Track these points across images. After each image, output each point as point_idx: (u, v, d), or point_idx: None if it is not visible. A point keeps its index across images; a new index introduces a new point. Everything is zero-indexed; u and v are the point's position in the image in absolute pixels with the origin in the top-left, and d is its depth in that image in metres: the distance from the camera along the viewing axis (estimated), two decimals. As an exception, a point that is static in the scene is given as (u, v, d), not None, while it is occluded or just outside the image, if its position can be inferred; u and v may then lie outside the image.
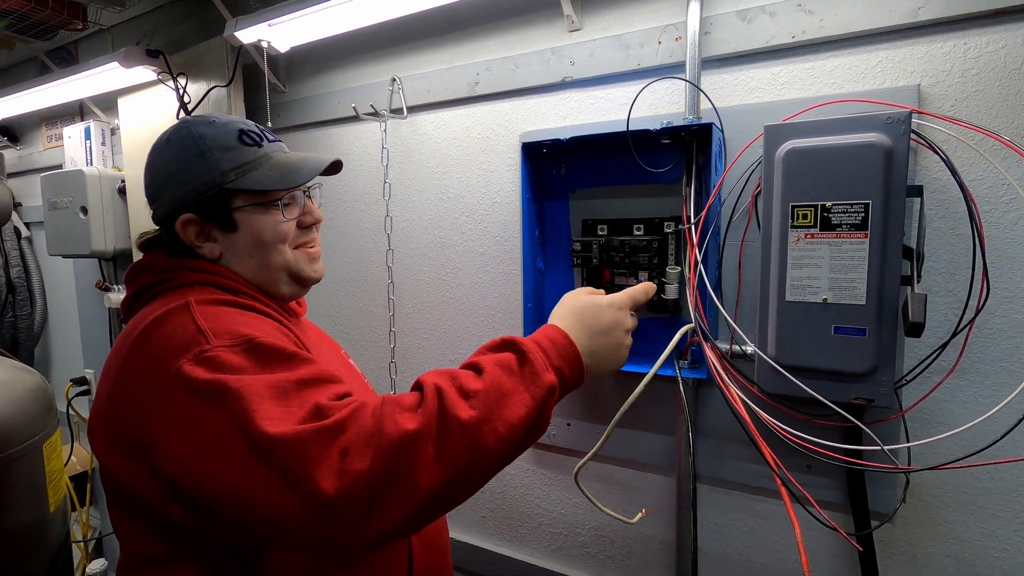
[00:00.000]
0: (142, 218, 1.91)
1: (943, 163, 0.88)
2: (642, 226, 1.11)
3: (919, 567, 0.98)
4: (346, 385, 0.66)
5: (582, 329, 0.73)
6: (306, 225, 0.83)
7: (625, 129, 1.05)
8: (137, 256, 1.99)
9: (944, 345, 0.88)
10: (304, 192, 0.83)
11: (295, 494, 0.54)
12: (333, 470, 0.54)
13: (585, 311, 0.76)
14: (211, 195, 0.75)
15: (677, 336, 0.75)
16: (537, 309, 1.26)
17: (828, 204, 0.86)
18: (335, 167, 0.85)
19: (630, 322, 0.79)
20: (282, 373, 0.62)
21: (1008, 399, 0.77)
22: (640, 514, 0.92)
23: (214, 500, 0.59)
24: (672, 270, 1.08)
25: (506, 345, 0.68)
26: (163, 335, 0.66)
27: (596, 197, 1.20)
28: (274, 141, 0.82)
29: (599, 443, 0.73)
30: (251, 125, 0.81)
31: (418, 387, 0.63)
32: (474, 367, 0.65)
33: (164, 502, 0.63)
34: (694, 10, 1.04)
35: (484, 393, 0.61)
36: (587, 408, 1.27)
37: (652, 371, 0.74)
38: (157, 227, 0.81)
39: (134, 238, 1.97)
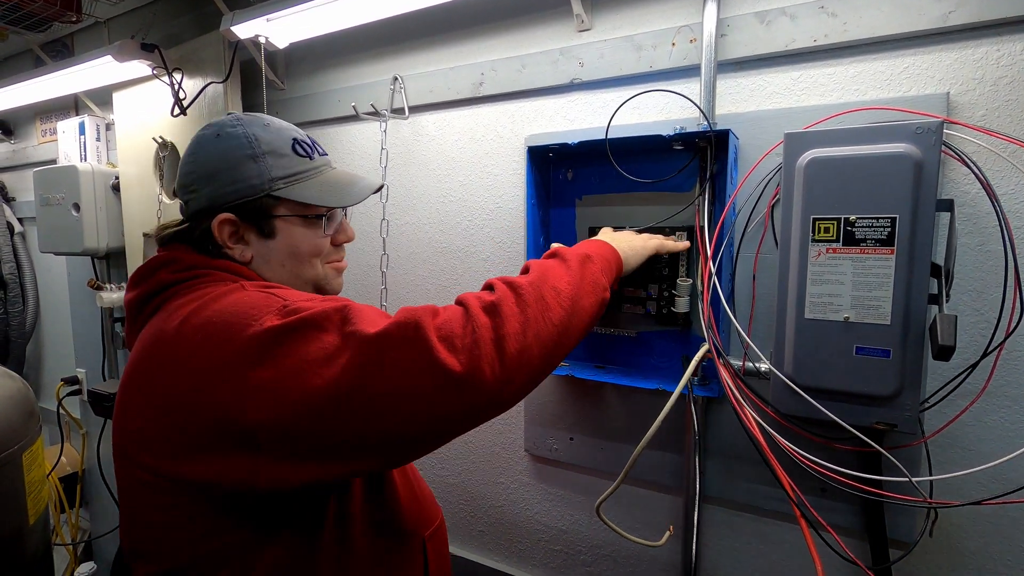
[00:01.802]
0: (135, 216, 1.87)
1: (972, 176, 0.83)
2: (652, 235, 1.06)
3: (938, 598, 0.93)
4: None
5: (607, 238, 0.90)
6: (339, 243, 0.83)
7: (637, 135, 1.00)
8: (133, 254, 1.93)
9: (973, 366, 0.83)
10: (343, 211, 0.83)
11: (422, 377, 0.57)
12: (444, 342, 0.58)
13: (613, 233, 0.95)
14: (256, 199, 0.73)
15: (696, 359, 0.71)
16: (541, 319, 1.21)
17: (852, 218, 0.81)
18: (378, 190, 0.85)
19: (653, 241, 0.96)
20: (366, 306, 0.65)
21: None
22: (668, 533, 0.88)
23: (344, 422, 0.57)
24: (683, 282, 1.03)
25: (545, 255, 0.80)
26: (226, 308, 0.62)
27: (604, 204, 1.15)
28: (323, 155, 0.81)
29: (621, 475, 0.69)
30: (303, 135, 0.79)
31: (486, 285, 0.70)
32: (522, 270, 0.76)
33: (272, 469, 0.58)
34: (711, 11, 0.99)
35: (534, 270, 0.72)
36: (590, 423, 1.22)
37: (672, 398, 0.69)
38: (182, 220, 0.78)
39: (128, 236, 1.93)
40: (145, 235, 0.78)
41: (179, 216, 0.79)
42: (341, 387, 0.56)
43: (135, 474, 0.64)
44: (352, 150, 1.52)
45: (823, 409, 0.81)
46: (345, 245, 0.84)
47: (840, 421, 0.80)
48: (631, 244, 0.90)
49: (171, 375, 0.62)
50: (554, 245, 0.82)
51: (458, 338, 0.58)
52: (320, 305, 0.61)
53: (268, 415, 0.57)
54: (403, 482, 0.80)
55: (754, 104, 1.02)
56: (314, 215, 0.76)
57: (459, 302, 0.64)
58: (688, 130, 0.98)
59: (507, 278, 0.68)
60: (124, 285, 1.87)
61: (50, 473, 2.16)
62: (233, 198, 0.72)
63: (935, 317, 0.76)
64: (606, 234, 0.93)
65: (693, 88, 1.04)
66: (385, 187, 1.44)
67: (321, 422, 0.57)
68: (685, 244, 1.02)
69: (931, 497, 0.86)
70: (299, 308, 0.61)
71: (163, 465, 0.61)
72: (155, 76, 1.61)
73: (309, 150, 0.78)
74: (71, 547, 2.30)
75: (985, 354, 0.83)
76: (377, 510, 0.75)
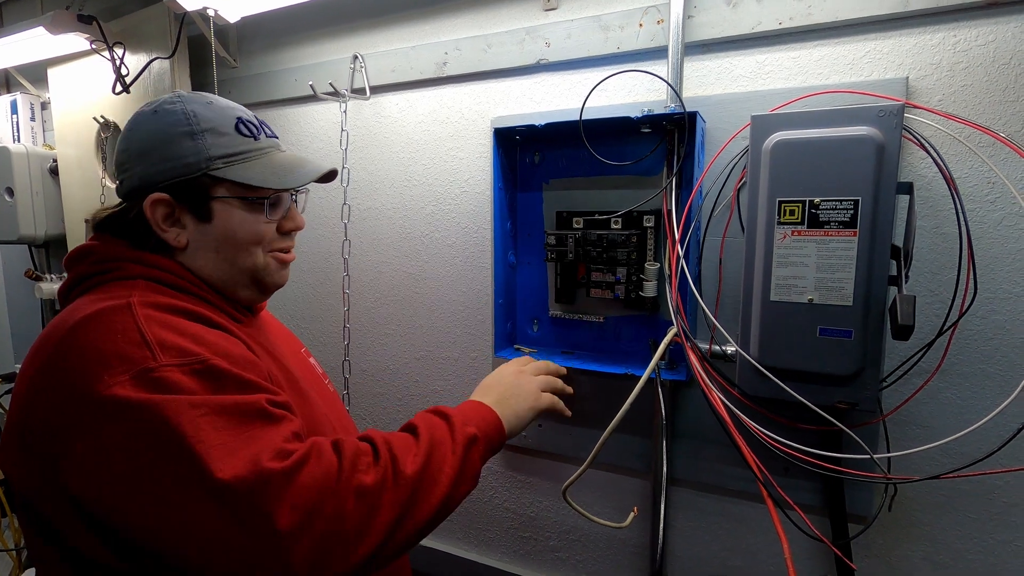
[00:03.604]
0: (76, 201, 1.75)
1: (929, 159, 0.85)
2: (620, 219, 1.06)
3: (894, 570, 0.96)
4: (298, 421, 0.63)
5: (498, 399, 0.83)
6: (286, 231, 0.78)
7: (604, 117, 0.99)
8: (75, 242, 1.83)
9: (929, 345, 0.86)
10: (292, 196, 0.78)
11: (251, 538, 0.52)
12: (288, 510, 0.53)
13: (502, 386, 0.87)
14: (192, 179, 0.68)
15: (664, 343, 0.70)
16: (508, 305, 1.20)
17: (816, 200, 0.82)
18: (330, 176, 0.79)
19: (544, 400, 0.89)
20: (236, 397, 0.58)
21: (1001, 407, 0.74)
22: (632, 514, 0.88)
23: (150, 540, 0.54)
24: (651, 266, 1.03)
25: (434, 412, 0.75)
26: (98, 337, 0.58)
27: (572, 188, 1.14)
28: (271, 136, 0.76)
29: (588, 459, 0.68)
30: (249, 115, 0.74)
31: (367, 439, 0.65)
32: (409, 428, 0.71)
33: (79, 533, 0.57)
34: (678, -9, 0.98)
35: (424, 446, 0.66)
36: (559, 408, 1.22)
37: (640, 382, 0.68)
38: (120, 201, 0.73)
39: (68, 222, 1.81)
40: (87, 221, 0.73)
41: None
42: (162, 521, 0.53)
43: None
44: (311, 132, 1.46)
45: (791, 391, 0.82)
46: (297, 233, 0.80)
47: (809, 403, 0.81)
48: (517, 413, 0.82)
49: (30, 393, 0.60)
50: (447, 409, 0.75)
51: (307, 518, 0.54)
52: (183, 384, 0.55)
53: (83, 491, 0.54)
54: None
55: (720, 87, 1.02)
56: (256, 198, 0.72)
57: (339, 460, 0.58)
58: (656, 112, 0.97)
59: (395, 448, 0.63)
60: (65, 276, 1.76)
61: (-12, 476, 2.03)
62: (166, 177, 0.68)
63: (895, 298, 0.77)
64: (496, 389, 0.85)
65: (660, 70, 1.03)
66: (346, 170, 1.38)
67: (128, 528, 0.54)
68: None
69: (890, 473, 0.89)
70: (158, 380, 0.55)
71: (17, 487, 0.60)
72: (94, 51, 1.51)
73: (255, 130, 0.73)
74: (14, 553, 2.18)
75: (940, 333, 0.86)
76: None
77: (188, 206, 0.70)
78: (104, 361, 0.56)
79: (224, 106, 0.72)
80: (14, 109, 1.90)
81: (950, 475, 0.77)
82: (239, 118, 0.72)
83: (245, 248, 0.72)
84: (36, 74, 1.86)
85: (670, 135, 1.00)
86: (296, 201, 0.80)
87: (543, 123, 1.04)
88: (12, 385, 2.10)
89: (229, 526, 0.52)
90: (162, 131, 0.68)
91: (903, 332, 0.76)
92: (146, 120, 0.70)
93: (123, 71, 1.47)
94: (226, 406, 0.56)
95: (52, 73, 1.71)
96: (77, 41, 1.50)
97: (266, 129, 0.76)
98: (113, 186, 1.62)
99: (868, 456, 0.78)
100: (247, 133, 0.72)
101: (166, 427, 0.53)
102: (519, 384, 0.87)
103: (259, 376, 0.64)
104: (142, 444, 0.53)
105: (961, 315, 0.85)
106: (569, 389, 0.96)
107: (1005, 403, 0.74)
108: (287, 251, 0.79)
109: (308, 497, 0.54)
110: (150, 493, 0.53)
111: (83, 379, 0.56)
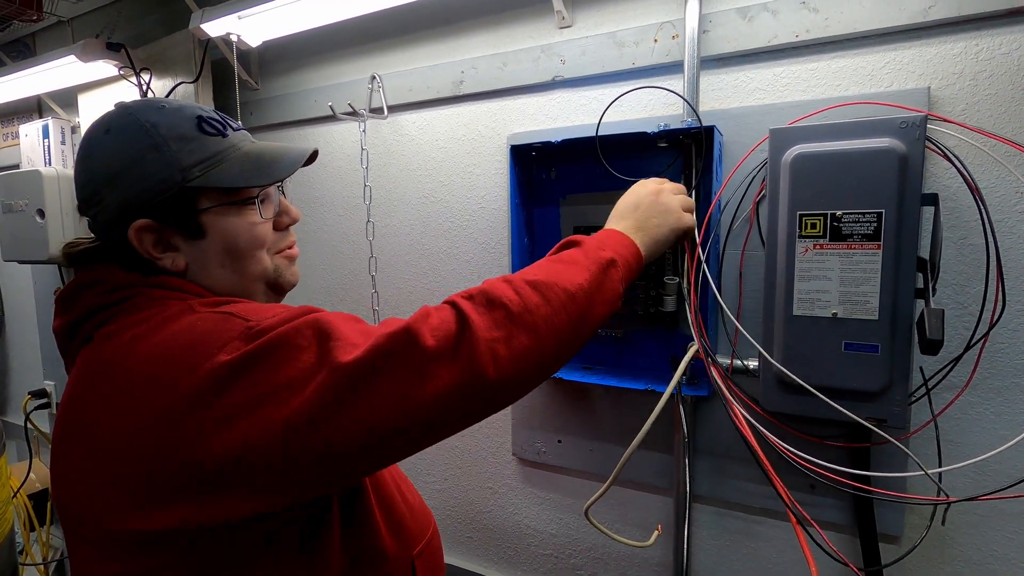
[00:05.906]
0: (104, 222, 1.80)
1: (954, 170, 0.83)
2: (638, 234, 1.05)
3: (928, 591, 0.94)
4: None
5: (636, 224, 0.79)
6: (283, 227, 0.73)
7: (621, 132, 0.99)
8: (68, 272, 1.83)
9: (957, 359, 0.84)
10: (279, 188, 0.73)
11: (420, 389, 0.53)
12: (433, 339, 0.55)
13: (640, 211, 0.81)
14: (171, 196, 0.62)
15: (686, 359, 0.69)
16: (526, 320, 1.19)
17: (838, 213, 0.81)
18: (313, 158, 0.74)
19: (686, 219, 0.84)
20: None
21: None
22: (656, 532, 0.86)
23: (322, 443, 0.52)
24: (670, 281, 1.02)
25: (564, 244, 0.74)
26: (178, 335, 0.55)
27: (589, 203, 1.14)
28: (238, 130, 0.69)
29: (610, 479, 0.67)
30: (208, 111, 0.68)
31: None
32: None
33: (241, 505, 0.52)
34: (692, 7, 0.98)
35: (551, 263, 0.67)
36: (578, 424, 1.21)
37: (663, 398, 0.68)
38: (92, 236, 0.67)
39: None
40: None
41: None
42: (317, 413, 0.50)
43: (78, 531, 0.57)
44: (331, 151, 1.48)
45: (836, 405, 0.78)
46: (313, 245, 0.78)
47: (850, 414, 0.77)
48: (656, 238, 0.78)
49: (119, 417, 0.53)
50: (577, 236, 0.75)
51: (452, 342, 0.55)
52: (290, 320, 0.54)
53: (234, 449, 0.50)
54: (385, 503, 0.73)
55: (737, 101, 1.01)
56: (244, 200, 0.65)
57: (452, 303, 0.59)
58: (672, 127, 0.97)
59: (512, 276, 0.64)
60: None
61: (18, 491, 2.08)
62: (144, 199, 0.61)
63: (922, 311, 0.76)
64: (633, 216, 0.79)
65: (676, 85, 1.03)
66: (368, 188, 1.40)
67: (295, 451, 0.51)
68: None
69: (931, 492, 0.86)
70: (266, 328, 0.54)
71: (113, 519, 0.53)
72: (122, 77, 1.56)
73: (220, 127, 0.66)
74: (42, 567, 2.22)
75: (969, 347, 0.84)
76: (353, 543, 0.67)
77: (175, 226, 0.63)
78: (204, 343, 0.53)
79: (180, 106, 0.65)
80: (45, 133, 1.96)
81: (990, 496, 0.75)
82: (199, 116, 0.65)
83: (250, 255, 0.67)
84: (67, 100, 1.92)
85: (687, 149, 0.99)
86: (284, 193, 0.75)
87: (559, 139, 1.04)
88: (43, 400, 2.16)
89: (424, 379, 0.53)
90: (123, 150, 0.61)
91: (932, 346, 0.74)
92: (102, 143, 0.63)
93: (149, 95, 1.51)
94: (333, 319, 0.56)
95: (82, 99, 1.77)
96: (106, 68, 1.55)
97: (231, 123, 0.69)
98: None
99: (917, 473, 0.76)
100: (213, 131, 0.65)
101: (294, 346, 0.52)
102: (658, 204, 0.81)
103: None
104: (280, 373, 0.51)
105: (991, 328, 0.83)
106: None
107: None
108: (291, 247, 0.75)
109: (445, 329, 0.55)
110: (325, 398, 0.51)
111: (193, 368, 0.52)
